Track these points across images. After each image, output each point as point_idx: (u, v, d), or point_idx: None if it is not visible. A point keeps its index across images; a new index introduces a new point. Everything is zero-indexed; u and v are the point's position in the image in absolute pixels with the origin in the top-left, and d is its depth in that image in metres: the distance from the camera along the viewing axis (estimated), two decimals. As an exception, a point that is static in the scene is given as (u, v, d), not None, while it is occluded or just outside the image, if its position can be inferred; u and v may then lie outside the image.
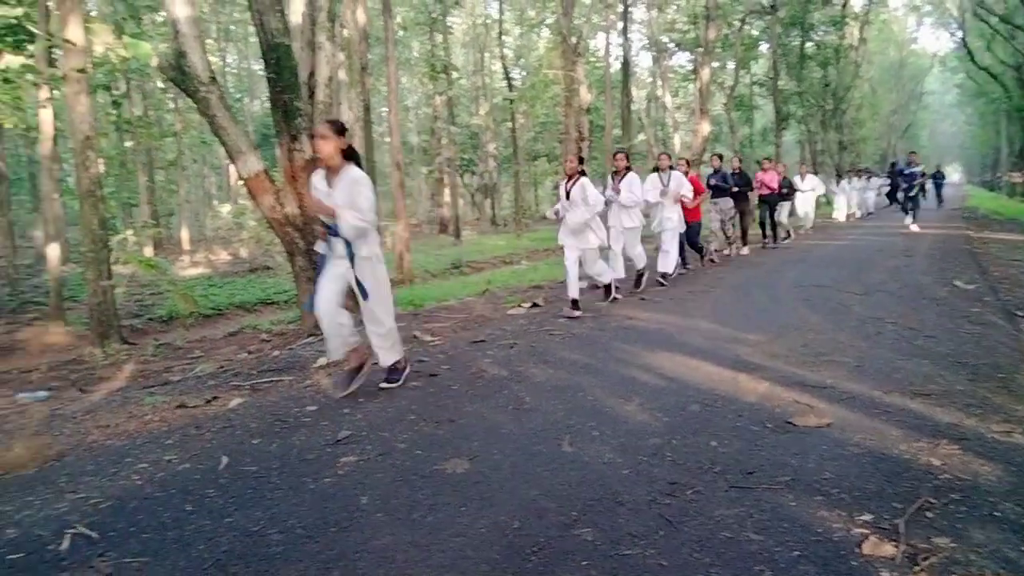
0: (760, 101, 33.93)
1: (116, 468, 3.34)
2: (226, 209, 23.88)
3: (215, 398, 4.66)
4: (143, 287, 15.20)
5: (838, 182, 22.31)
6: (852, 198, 21.77)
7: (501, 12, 28.16)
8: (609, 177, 8.15)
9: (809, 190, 15.87)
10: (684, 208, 9.30)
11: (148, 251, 20.14)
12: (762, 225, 13.61)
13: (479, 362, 5.15)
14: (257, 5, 6.50)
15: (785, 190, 13.82)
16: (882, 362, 4.46)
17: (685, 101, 35.27)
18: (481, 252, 21.42)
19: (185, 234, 26.12)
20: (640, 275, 8.40)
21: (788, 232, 14.80)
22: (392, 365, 4.55)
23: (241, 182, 7.52)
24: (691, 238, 10.15)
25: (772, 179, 13.09)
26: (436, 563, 2.26)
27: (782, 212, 14.11)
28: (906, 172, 14.98)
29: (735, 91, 26.10)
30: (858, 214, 22.19)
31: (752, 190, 12.64)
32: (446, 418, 3.81)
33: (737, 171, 12.00)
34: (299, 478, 3.06)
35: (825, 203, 23.83)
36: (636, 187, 7.91)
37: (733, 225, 12.06)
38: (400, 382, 4.53)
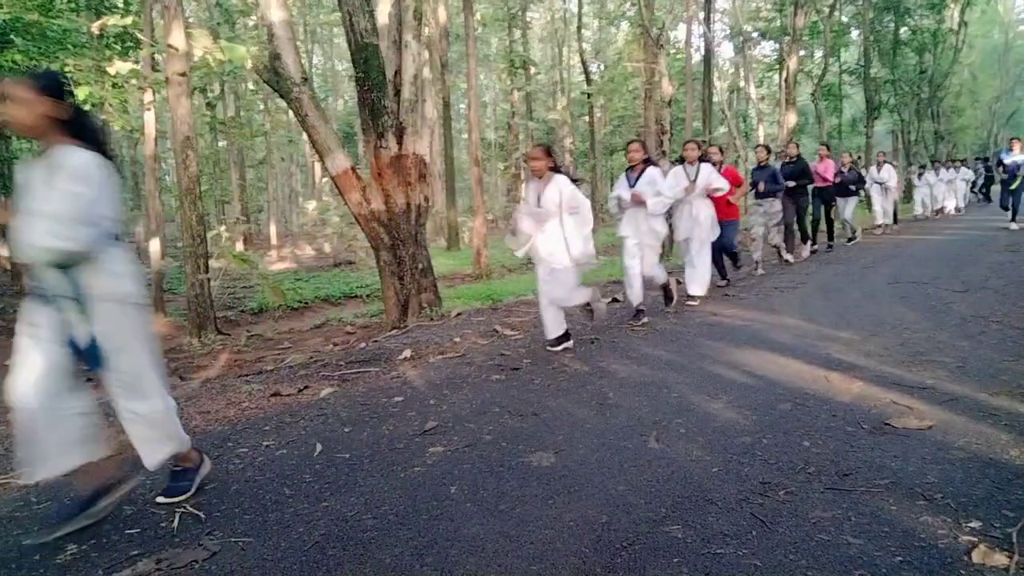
0: (849, 90, 32.58)
1: (219, 452, 3.52)
2: (311, 205, 24.68)
3: (307, 387, 4.84)
4: (235, 281, 15.89)
5: (920, 175, 19.57)
6: (938, 191, 19.61)
7: (580, 6, 27.97)
8: (624, 175, 6.60)
9: (886, 181, 14.38)
10: (718, 206, 7.62)
11: (239, 246, 21.04)
12: (815, 223, 11.63)
13: (560, 357, 5.17)
14: (347, 6, 6.68)
15: (852, 184, 12.46)
16: (986, 363, 4.23)
17: (769, 91, 34.23)
18: (558, 247, 21.34)
19: (273, 230, 27.14)
20: (667, 289, 6.89)
21: (854, 231, 13.18)
22: (174, 464, 2.95)
23: (328, 179, 7.77)
24: (726, 243, 8.18)
25: (827, 169, 11.57)
26: (526, 554, 2.29)
27: (846, 208, 12.71)
28: (1007, 161, 13.00)
29: (823, 80, 25.11)
30: (948, 208, 20.15)
31: (811, 182, 10.74)
32: (530, 412, 3.85)
33: (794, 158, 10.45)
34: (390, 466, 3.15)
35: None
36: (662, 186, 6.39)
37: (779, 231, 10.03)
38: (190, 490, 2.92)
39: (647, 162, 6.41)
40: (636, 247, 6.45)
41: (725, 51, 40.05)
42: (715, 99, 25.24)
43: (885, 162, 14.74)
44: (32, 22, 9.42)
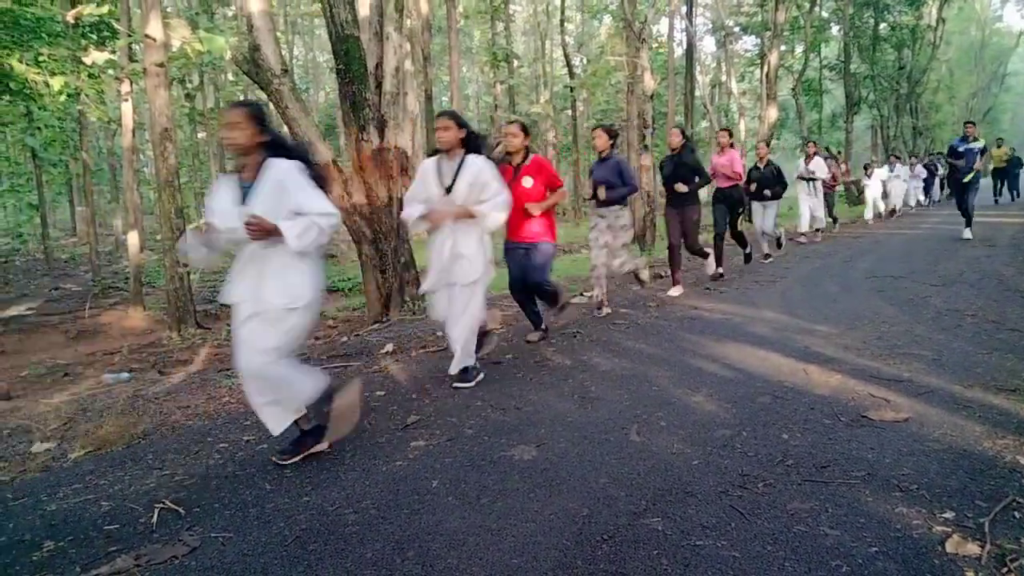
0: (830, 85, 32.82)
1: (198, 447, 3.50)
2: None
3: (288, 382, 4.80)
4: (215, 274, 15.75)
5: (869, 172, 16.78)
6: (893, 189, 17.55)
7: (563, -1, 27.94)
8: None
9: (814, 174, 12.09)
10: (513, 221, 5.15)
11: (219, 239, 20.78)
12: (717, 238, 8.61)
13: (543, 350, 5.18)
14: (327, -2, 6.62)
15: (769, 187, 9.47)
16: (962, 356, 4.29)
17: (751, 86, 34.40)
18: (541, 241, 21.37)
19: (254, 222, 26.85)
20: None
21: (780, 240, 10.65)
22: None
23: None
24: (532, 279, 5.25)
25: (733, 163, 8.43)
26: (507, 547, 2.30)
27: (765, 217, 9.85)
28: (960, 149, 10.62)
29: (803, 75, 25.28)
30: (898, 206, 18.06)
31: (706, 180, 7.49)
32: (512, 405, 3.85)
33: (675, 150, 7.30)
34: (371, 460, 3.15)
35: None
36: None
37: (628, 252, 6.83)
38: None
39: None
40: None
41: (707, 46, 40.24)
42: (697, 93, 25.35)
43: (815, 154, 12.44)
44: (5, 10, 9.25)
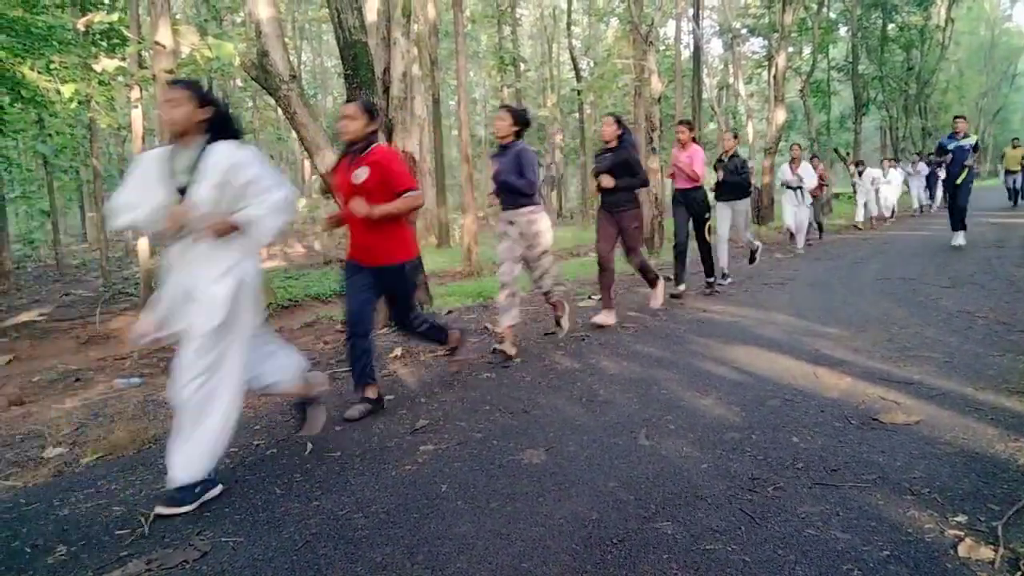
0: (838, 86, 32.72)
1: (209, 451, 3.50)
2: (301, 203, 24.57)
3: (297, 386, 4.82)
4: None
5: (860, 172, 15.88)
6: (888, 193, 16.42)
7: (570, 3, 27.98)
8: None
9: (802, 183, 11.08)
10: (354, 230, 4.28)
11: (228, 244, 20.88)
12: (677, 251, 7.53)
13: (551, 354, 5.18)
14: (335, 3, 6.65)
15: (738, 185, 8.02)
16: (973, 358, 4.27)
17: (759, 88, 34.32)
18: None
19: (262, 227, 26.95)
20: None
21: (753, 255, 9.07)
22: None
23: (317, 177, 7.75)
24: (357, 322, 4.15)
25: (693, 160, 7.16)
26: (517, 552, 2.30)
27: (725, 219, 8.16)
28: (950, 147, 9.79)
29: (811, 77, 25.19)
30: (886, 213, 16.79)
31: (640, 183, 6.10)
32: (520, 409, 3.85)
33: (609, 143, 6.04)
34: (380, 465, 3.15)
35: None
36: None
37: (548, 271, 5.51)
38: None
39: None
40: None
41: (714, 48, 40.15)
42: (704, 96, 25.31)
43: (801, 158, 11.41)
44: (16, 18, 9.33)
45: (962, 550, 2.11)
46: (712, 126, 30.92)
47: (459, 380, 4.59)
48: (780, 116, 17.71)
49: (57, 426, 4.29)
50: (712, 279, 7.64)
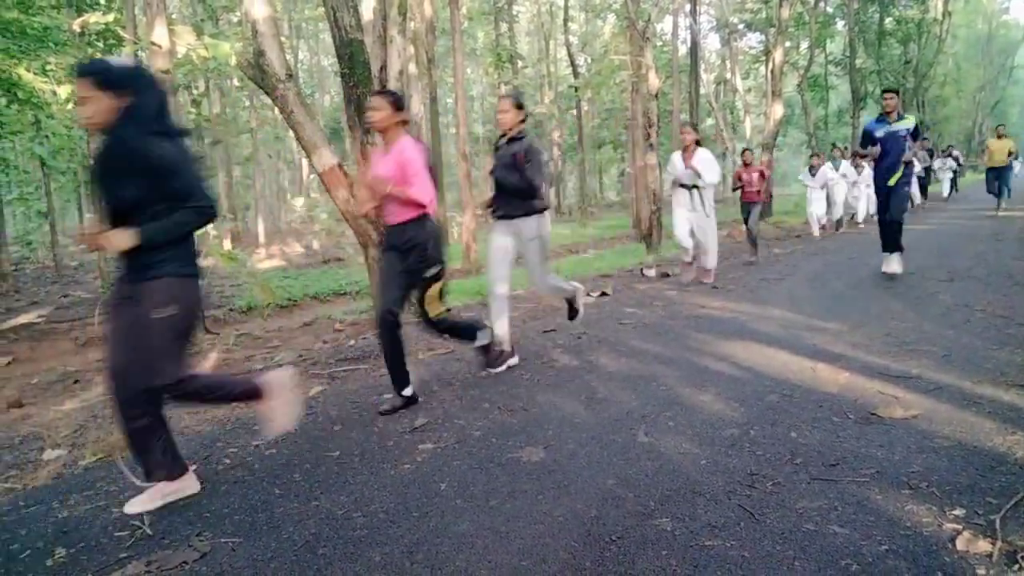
0: (835, 81, 32.73)
1: (208, 452, 3.51)
2: (299, 203, 24.59)
3: (296, 386, 4.82)
4: (223, 279, 15.82)
5: (813, 170, 13.28)
6: (837, 196, 13.98)
7: (566, -1, 27.97)
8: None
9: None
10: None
11: (227, 244, 20.93)
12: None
13: (550, 351, 5.18)
14: (331, 1, 6.64)
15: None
16: (971, 351, 4.27)
17: (756, 83, 34.33)
18: (547, 241, 21.39)
19: (261, 227, 27.00)
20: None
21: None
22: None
23: (315, 176, 7.75)
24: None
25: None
26: (515, 549, 2.30)
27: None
28: (878, 134, 7.22)
29: (809, 71, 25.19)
30: (858, 216, 14.77)
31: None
32: (519, 407, 3.85)
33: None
34: (379, 464, 3.15)
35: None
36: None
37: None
38: None
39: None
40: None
41: (711, 43, 40.16)
42: (702, 91, 25.32)
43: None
44: (12, 20, 9.31)
45: (960, 543, 2.11)
46: (710, 121, 30.89)
47: (457, 378, 4.59)
48: (778, 111, 17.72)
49: (56, 428, 4.29)
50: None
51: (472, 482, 2.87)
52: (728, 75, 32.40)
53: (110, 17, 9.43)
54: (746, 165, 9.92)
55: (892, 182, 7.16)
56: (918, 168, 17.65)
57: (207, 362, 7.12)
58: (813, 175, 13.14)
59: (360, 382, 4.77)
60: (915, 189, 16.87)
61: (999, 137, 14.99)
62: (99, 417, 4.51)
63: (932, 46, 28.74)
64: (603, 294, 7.80)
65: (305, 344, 7.46)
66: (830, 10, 27.37)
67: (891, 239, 7.37)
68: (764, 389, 3.81)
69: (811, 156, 13.72)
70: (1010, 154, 14.48)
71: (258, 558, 2.38)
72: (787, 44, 21.82)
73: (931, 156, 19.27)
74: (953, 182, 21.54)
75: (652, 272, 7.41)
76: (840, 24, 28.15)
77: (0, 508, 3.01)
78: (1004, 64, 49.11)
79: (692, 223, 7.77)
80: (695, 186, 7.61)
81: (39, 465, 3.60)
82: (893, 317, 5.44)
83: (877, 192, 7.58)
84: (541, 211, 4.73)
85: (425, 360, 5.29)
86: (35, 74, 9.24)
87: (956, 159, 20.65)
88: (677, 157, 7.80)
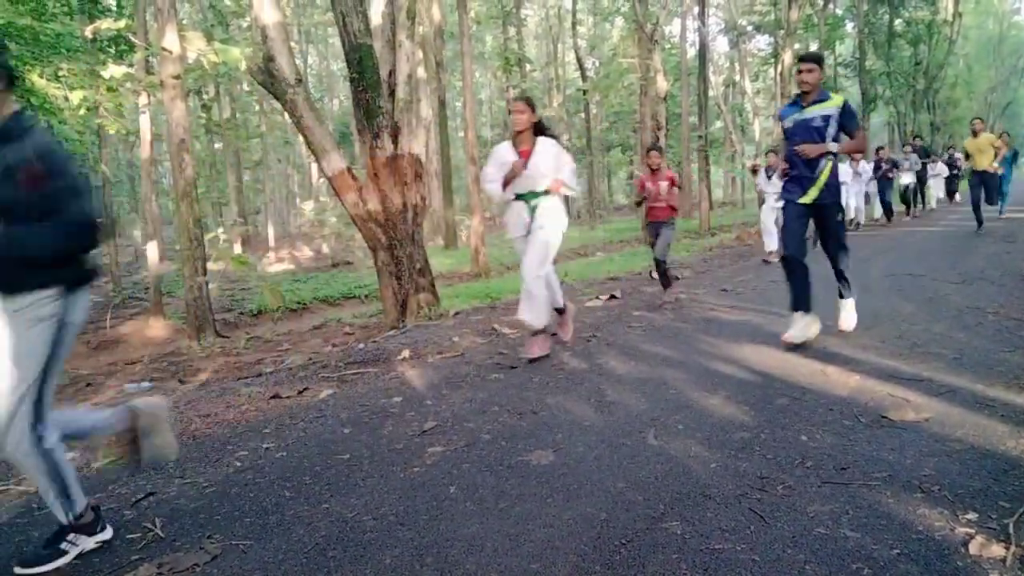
0: (845, 83, 32.60)
1: (219, 455, 3.53)
2: (309, 206, 24.68)
3: (306, 389, 4.85)
4: (233, 283, 15.90)
5: (768, 173, 10.29)
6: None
7: (575, 2, 27.98)
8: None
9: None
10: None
11: (237, 248, 21.04)
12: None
13: (558, 354, 5.18)
14: (340, 7, 6.68)
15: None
16: (983, 354, 4.24)
17: (765, 86, 34.24)
18: (556, 244, 21.41)
19: (271, 231, 27.12)
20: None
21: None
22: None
23: (324, 180, 7.78)
24: None
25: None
26: (525, 553, 2.30)
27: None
28: (787, 124, 4.97)
29: (818, 73, 25.07)
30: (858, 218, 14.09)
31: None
32: (528, 410, 3.85)
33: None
34: (389, 467, 3.16)
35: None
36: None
37: None
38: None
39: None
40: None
41: (720, 46, 40.08)
42: (710, 94, 25.25)
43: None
44: (25, 27, 9.40)
45: (973, 548, 2.10)
46: (719, 124, 30.83)
47: (467, 381, 4.59)
48: (787, 113, 17.62)
49: (69, 431, 4.32)
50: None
51: (481, 485, 2.87)
52: (737, 77, 32.35)
53: (122, 23, 9.51)
54: (652, 171, 7.18)
55: (807, 199, 4.81)
56: (906, 179, 15.72)
57: (217, 365, 7.16)
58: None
59: (369, 385, 4.79)
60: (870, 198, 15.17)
61: (975, 134, 11.31)
62: (111, 420, 4.53)
63: (942, 47, 28.59)
64: (612, 297, 7.80)
65: (315, 347, 7.50)
66: (839, 12, 27.31)
67: (841, 275, 5.23)
68: (774, 392, 3.79)
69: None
70: (996, 153, 11.09)
71: (269, 561, 2.39)
72: (796, 46, 21.75)
73: (927, 157, 17.38)
74: (951, 187, 18.96)
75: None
76: (849, 26, 28.08)
77: (14, 510, 3.04)
78: (1016, 65, 48.80)
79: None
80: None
81: (52, 468, 3.62)
82: (904, 319, 5.41)
83: (785, 224, 5.11)
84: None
85: (434, 363, 5.30)
86: (48, 80, 9.33)
87: (953, 162, 18.75)
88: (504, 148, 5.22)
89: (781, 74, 18.19)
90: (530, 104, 5.04)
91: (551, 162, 4.93)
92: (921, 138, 19.74)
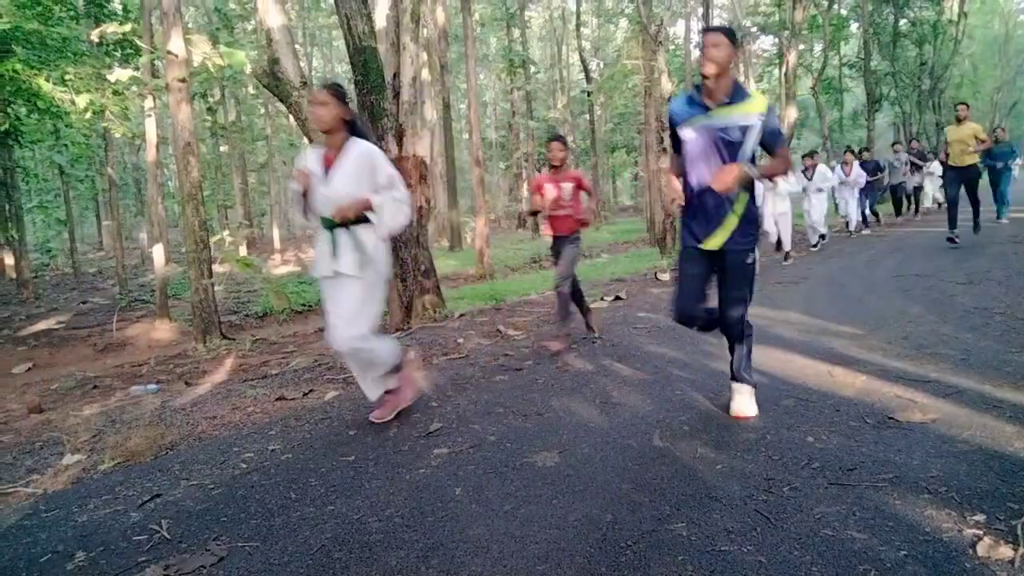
0: (850, 83, 32.53)
1: (224, 457, 3.53)
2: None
3: (311, 391, 4.86)
4: (239, 285, 15.94)
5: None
6: (782, 220, 9.95)
7: (579, 4, 27.97)
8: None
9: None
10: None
11: (242, 250, 21.09)
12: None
13: (564, 355, 5.17)
14: (345, 9, 6.69)
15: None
16: (990, 355, 4.22)
17: (770, 86, 34.17)
18: (561, 246, 21.41)
19: (276, 234, 27.18)
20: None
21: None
22: None
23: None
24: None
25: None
26: (531, 555, 2.30)
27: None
28: (682, 134, 3.44)
29: (823, 74, 25.05)
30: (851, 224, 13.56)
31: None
32: (533, 411, 3.85)
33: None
34: (395, 469, 3.16)
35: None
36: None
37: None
38: None
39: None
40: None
41: (725, 46, 39.94)
42: (715, 95, 25.20)
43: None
44: (32, 31, 9.46)
45: (981, 549, 2.09)
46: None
47: (472, 383, 4.60)
48: (792, 114, 17.61)
49: (75, 433, 4.34)
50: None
51: (487, 487, 2.87)
52: (741, 78, 32.31)
53: (127, 27, 9.56)
54: (553, 169, 5.48)
55: (712, 245, 3.40)
56: (914, 181, 15.32)
57: (223, 367, 7.17)
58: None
59: (375, 387, 4.78)
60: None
61: (959, 121, 9.77)
62: (118, 422, 4.56)
63: (948, 47, 28.46)
64: (617, 298, 7.79)
65: (320, 349, 7.50)
66: (844, 12, 27.24)
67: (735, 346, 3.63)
68: (780, 393, 3.79)
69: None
70: (977, 144, 9.59)
71: (275, 562, 2.39)
72: (801, 47, 21.73)
73: (923, 159, 16.41)
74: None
75: (666, 276, 7.41)
76: (854, 26, 28.01)
77: (21, 512, 3.05)
78: (1022, 64, 48.57)
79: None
80: None
81: (59, 470, 3.64)
82: (911, 320, 5.39)
83: (680, 278, 3.60)
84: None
85: (440, 365, 5.30)
86: (54, 84, 9.38)
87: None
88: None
89: (786, 75, 18.16)
90: (337, 94, 3.61)
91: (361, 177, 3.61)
92: (919, 140, 19.35)
